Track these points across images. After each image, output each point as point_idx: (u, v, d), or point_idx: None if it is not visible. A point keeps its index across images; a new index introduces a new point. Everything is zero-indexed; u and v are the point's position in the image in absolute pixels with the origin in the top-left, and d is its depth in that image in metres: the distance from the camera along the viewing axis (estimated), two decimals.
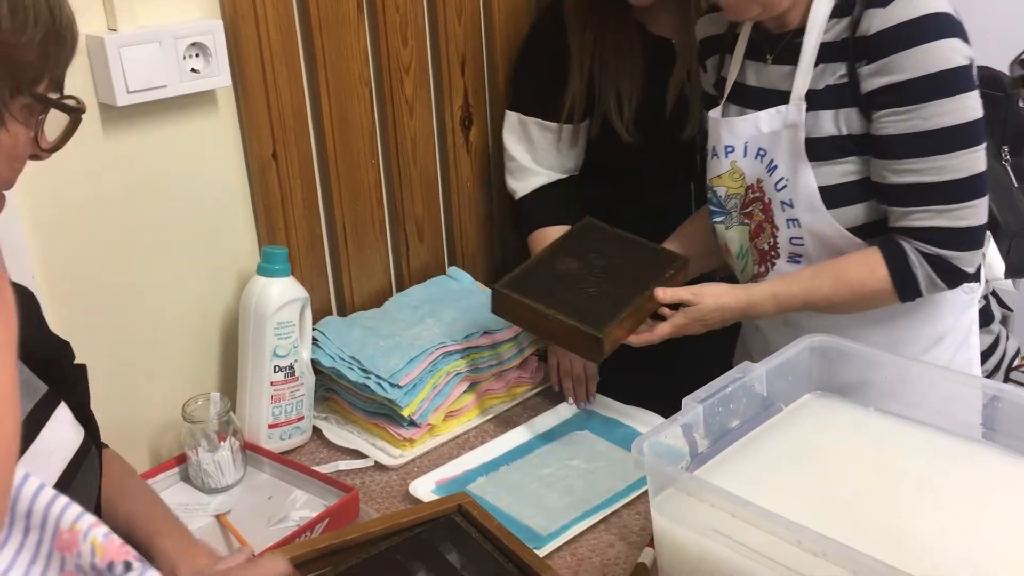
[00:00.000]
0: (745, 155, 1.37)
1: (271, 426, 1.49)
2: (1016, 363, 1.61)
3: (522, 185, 1.74)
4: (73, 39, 0.80)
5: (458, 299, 1.71)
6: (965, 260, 1.27)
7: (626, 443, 1.46)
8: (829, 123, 1.29)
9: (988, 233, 1.35)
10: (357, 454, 1.50)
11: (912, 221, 1.27)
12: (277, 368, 1.48)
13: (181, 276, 1.48)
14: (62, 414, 0.94)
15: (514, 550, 1.13)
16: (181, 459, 1.44)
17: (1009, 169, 1.51)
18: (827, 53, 1.28)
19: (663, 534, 1.05)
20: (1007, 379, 1.60)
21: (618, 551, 1.26)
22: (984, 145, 1.25)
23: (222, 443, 1.40)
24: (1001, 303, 1.60)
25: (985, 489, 1.06)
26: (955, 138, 1.22)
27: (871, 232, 1.32)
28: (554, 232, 1.67)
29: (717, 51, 1.46)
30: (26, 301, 0.98)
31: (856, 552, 0.85)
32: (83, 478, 0.95)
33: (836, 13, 1.28)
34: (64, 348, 1.04)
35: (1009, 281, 1.51)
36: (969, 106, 1.22)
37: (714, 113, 1.41)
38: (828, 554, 0.86)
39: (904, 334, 1.40)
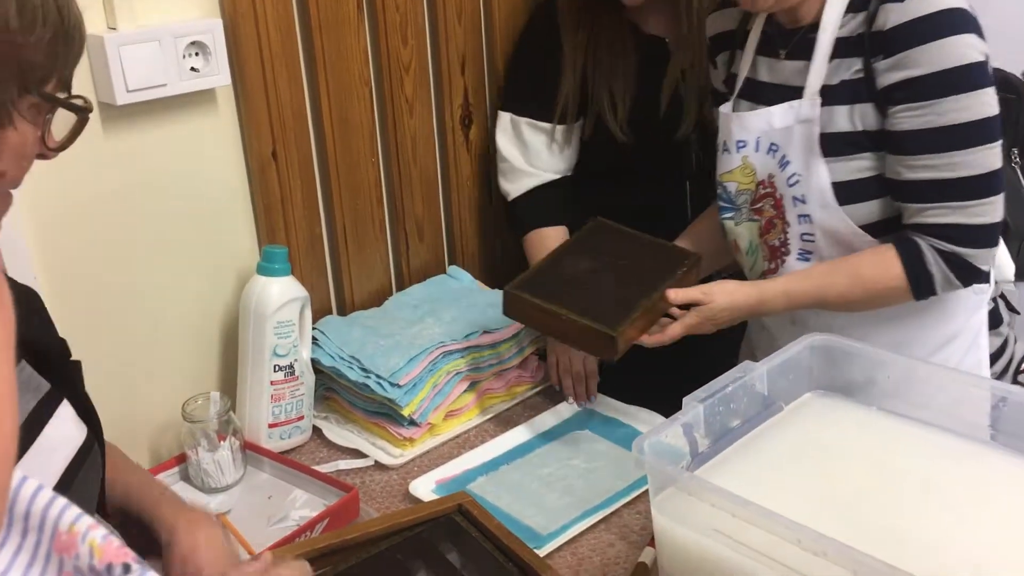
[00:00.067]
0: (757, 150, 1.36)
1: (271, 425, 1.49)
2: None
3: (515, 186, 1.73)
4: (81, 39, 0.80)
5: (458, 298, 1.70)
6: (980, 257, 1.26)
7: (626, 442, 1.46)
8: (844, 119, 1.28)
9: None
10: (357, 453, 1.49)
11: (927, 217, 1.26)
12: (277, 367, 1.48)
13: (181, 275, 1.48)
14: (65, 411, 0.95)
15: (514, 550, 1.13)
16: (181, 459, 1.44)
17: (1019, 171, 1.51)
18: (842, 48, 1.28)
19: (664, 534, 1.05)
20: (1015, 381, 1.59)
21: (618, 551, 1.26)
22: (1000, 142, 1.24)
23: (222, 443, 1.40)
24: (1009, 306, 1.60)
25: (989, 490, 1.06)
26: (971, 134, 1.22)
27: (883, 229, 1.31)
28: (549, 233, 1.67)
29: (728, 47, 1.45)
30: (29, 301, 0.98)
31: (857, 552, 0.84)
32: (86, 475, 0.95)
33: (851, 8, 1.27)
34: (63, 346, 1.04)
35: (1013, 283, 1.51)
36: (985, 102, 1.22)
37: (725, 108, 1.40)
38: (829, 554, 0.86)
39: (913, 334, 1.39)
